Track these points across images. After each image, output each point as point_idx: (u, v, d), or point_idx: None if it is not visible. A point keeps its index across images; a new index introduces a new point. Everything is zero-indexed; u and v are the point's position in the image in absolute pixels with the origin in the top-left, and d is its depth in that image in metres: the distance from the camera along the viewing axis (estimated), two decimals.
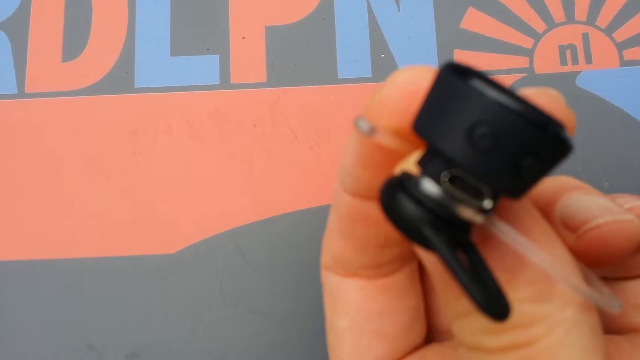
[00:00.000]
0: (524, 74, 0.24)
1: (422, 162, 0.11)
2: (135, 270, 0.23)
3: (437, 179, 0.10)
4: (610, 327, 0.15)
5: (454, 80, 0.10)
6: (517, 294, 0.11)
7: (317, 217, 0.23)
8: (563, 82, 0.24)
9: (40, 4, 0.25)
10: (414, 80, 0.11)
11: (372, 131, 0.11)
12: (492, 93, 0.09)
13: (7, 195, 0.23)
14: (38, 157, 0.24)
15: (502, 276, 0.11)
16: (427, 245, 0.10)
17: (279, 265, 0.23)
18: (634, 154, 0.23)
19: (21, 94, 0.24)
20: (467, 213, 0.10)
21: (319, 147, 0.24)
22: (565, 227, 0.13)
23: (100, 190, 0.23)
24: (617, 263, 0.13)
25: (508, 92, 0.10)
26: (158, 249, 0.23)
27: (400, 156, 0.12)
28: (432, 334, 0.17)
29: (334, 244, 0.15)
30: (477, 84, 0.10)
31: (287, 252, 0.23)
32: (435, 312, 0.17)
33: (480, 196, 0.10)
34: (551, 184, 0.14)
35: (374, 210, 0.13)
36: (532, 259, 0.10)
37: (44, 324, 0.22)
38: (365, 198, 0.13)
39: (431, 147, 0.10)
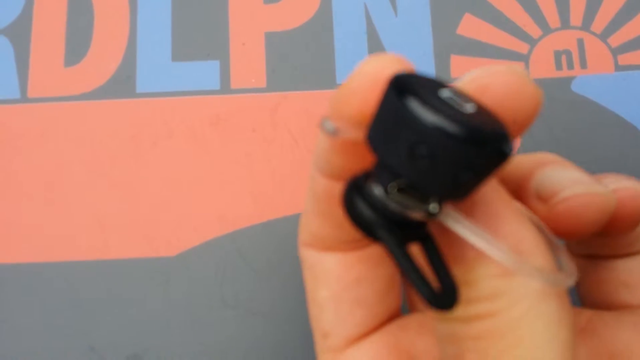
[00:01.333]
0: None
1: (375, 170, 0.11)
2: (137, 273, 0.23)
3: (386, 188, 0.11)
4: (600, 303, 0.16)
5: (393, 98, 0.10)
6: (484, 270, 0.11)
7: None
8: (558, 87, 0.24)
9: (42, 9, 0.26)
10: (380, 70, 0.12)
11: (336, 131, 0.12)
12: (426, 116, 0.10)
13: (9, 198, 0.24)
14: (40, 161, 0.24)
15: (470, 254, 0.11)
16: (382, 243, 0.11)
17: (279, 268, 0.23)
18: (628, 158, 0.24)
19: (24, 98, 0.25)
20: (416, 216, 0.11)
21: None
22: (538, 198, 0.13)
23: (102, 193, 0.24)
24: (587, 234, 0.14)
25: (445, 110, 0.10)
26: (159, 252, 0.23)
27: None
28: (413, 305, 0.18)
29: (312, 223, 0.15)
30: (413, 105, 0.10)
31: (287, 255, 0.23)
32: None
33: (427, 200, 0.11)
34: (529, 159, 0.14)
35: None
36: (484, 250, 0.11)
37: (45, 326, 0.22)
38: (339, 180, 0.14)
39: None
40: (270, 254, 0.23)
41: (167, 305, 0.23)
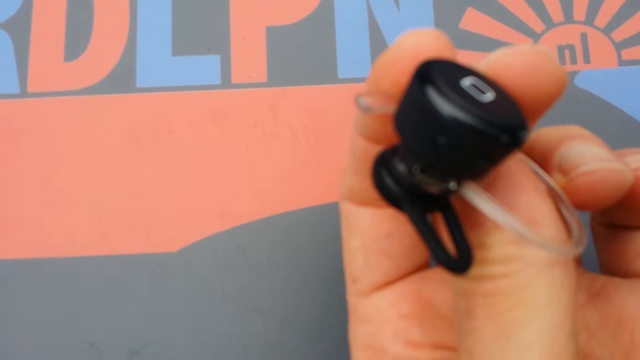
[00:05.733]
0: None
1: (400, 149, 0.12)
2: (137, 269, 0.23)
3: (410, 169, 0.12)
4: (617, 271, 0.17)
5: (416, 87, 0.11)
6: (499, 236, 0.12)
7: (317, 216, 0.23)
8: None
9: (42, 3, 0.25)
10: (418, 45, 0.12)
11: (368, 108, 0.12)
12: (444, 107, 0.10)
13: (8, 193, 0.23)
14: (40, 156, 0.24)
15: (488, 221, 0.12)
16: (404, 214, 0.12)
17: (279, 264, 0.23)
18: None
19: (23, 93, 0.24)
20: (437, 191, 0.12)
21: (319, 146, 0.24)
22: (559, 171, 0.14)
23: (102, 189, 0.23)
24: (603, 207, 0.14)
25: (462, 102, 0.10)
26: (159, 248, 0.23)
27: None
28: None
29: (350, 179, 0.16)
30: (432, 96, 0.11)
31: (287, 251, 0.23)
32: None
33: (447, 179, 0.12)
34: (556, 131, 0.15)
35: None
36: (498, 221, 0.11)
37: (45, 322, 0.22)
38: (376, 142, 0.15)
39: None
40: (270, 250, 0.23)
41: (168, 300, 0.22)
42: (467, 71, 0.12)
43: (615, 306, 0.16)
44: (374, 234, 0.16)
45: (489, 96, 0.11)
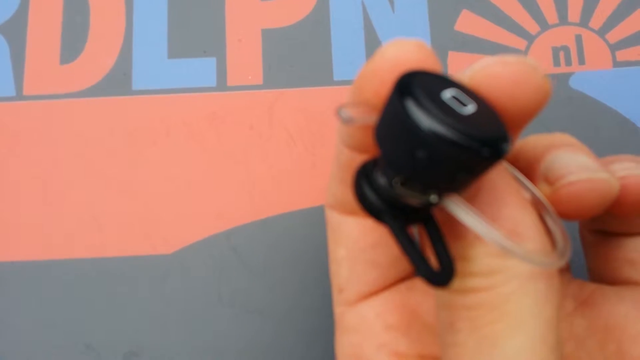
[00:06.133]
0: None
1: (381, 161, 0.12)
2: (133, 271, 0.23)
3: (390, 182, 0.12)
4: (606, 278, 0.17)
5: (396, 100, 0.11)
6: (482, 249, 0.12)
7: (313, 218, 0.23)
8: (556, 83, 0.24)
9: (38, 6, 0.25)
10: (400, 55, 0.12)
11: (350, 120, 0.12)
12: (423, 121, 0.10)
13: (5, 196, 0.23)
14: (36, 159, 0.24)
15: (470, 233, 0.12)
16: (386, 226, 0.12)
17: (276, 266, 0.23)
18: (626, 154, 0.23)
19: (19, 96, 0.24)
20: (418, 204, 0.12)
21: (315, 148, 0.24)
22: (545, 180, 0.14)
23: (98, 191, 0.23)
24: (589, 217, 0.14)
25: (442, 115, 0.10)
26: (155, 250, 0.23)
27: None
28: None
29: (335, 188, 0.16)
30: (412, 109, 0.10)
31: (284, 252, 0.23)
32: None
33: (428, 192, 0.12)
34: (543, 140, 0.15)
35: None
36: (480, 234, 0.11)
37: (42, 324, 0.22)
38: (360, 152, 0.14)
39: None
40: (267, 252, 0.23)
41: (164, 302, 0.23)
42: (449, 82, 0.11)
43: (603, 314, 0.16)
44: (360, 243, 0.16)
45: (470, 108, 0.11)
